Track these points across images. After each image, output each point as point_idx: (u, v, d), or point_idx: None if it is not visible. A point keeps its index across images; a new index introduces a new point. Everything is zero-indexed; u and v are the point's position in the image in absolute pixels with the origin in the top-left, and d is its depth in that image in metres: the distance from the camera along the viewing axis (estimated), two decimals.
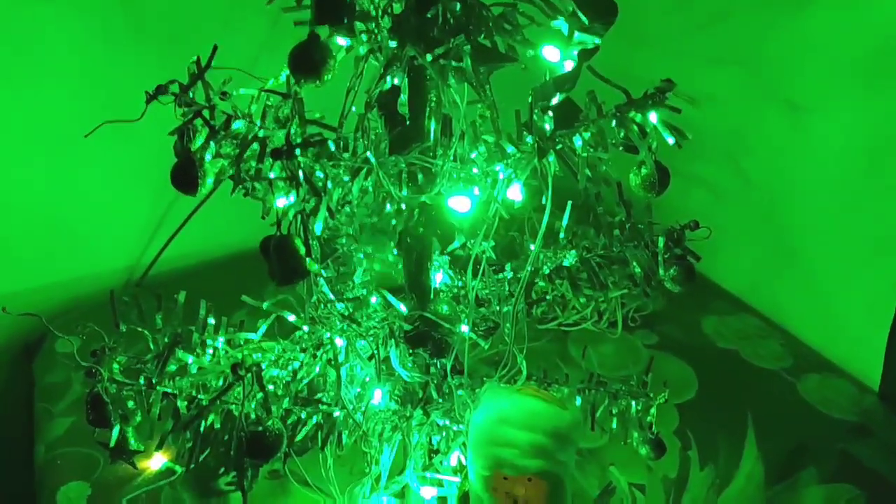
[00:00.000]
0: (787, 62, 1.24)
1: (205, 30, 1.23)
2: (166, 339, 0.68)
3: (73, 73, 1.21)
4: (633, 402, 0.87)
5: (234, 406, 0.62)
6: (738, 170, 1.38)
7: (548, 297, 0.76)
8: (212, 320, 0.72)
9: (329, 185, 0.55)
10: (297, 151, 0.52)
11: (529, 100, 0.61)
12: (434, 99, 0.61)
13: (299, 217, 0.54)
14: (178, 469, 1.02)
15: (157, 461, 1.05)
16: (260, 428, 0.59)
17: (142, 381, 0.67)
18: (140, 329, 0.70)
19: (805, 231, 1.31)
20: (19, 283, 1.31)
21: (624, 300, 1.36)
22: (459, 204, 0.62)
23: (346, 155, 0.59)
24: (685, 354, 1.29)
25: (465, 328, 0.74)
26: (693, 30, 1.35)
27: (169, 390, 0.68)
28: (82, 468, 1.05)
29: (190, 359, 0.62)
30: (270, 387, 0.71)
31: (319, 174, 0.55)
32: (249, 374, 0.58)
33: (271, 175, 0.57)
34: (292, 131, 0.54)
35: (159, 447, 0.69)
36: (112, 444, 0.68)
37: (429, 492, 0.84)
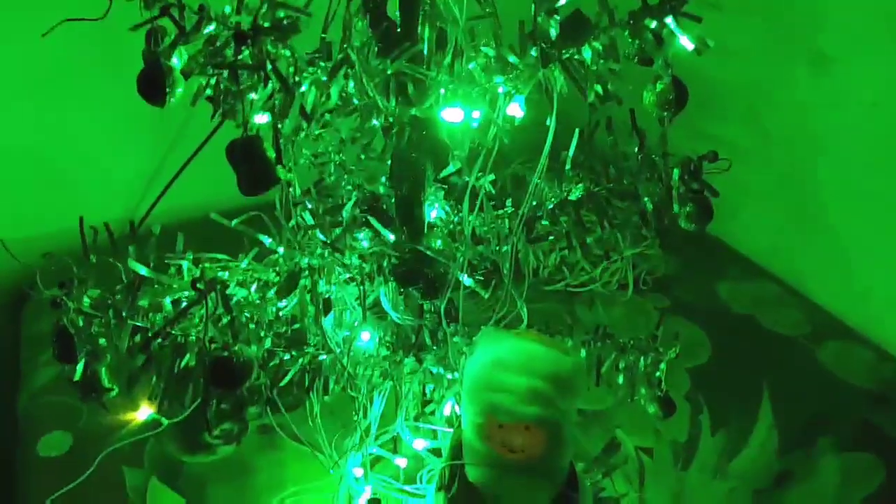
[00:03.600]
0: (814, 10, 1.17)
1: None
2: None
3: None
4: (642, 357, 0.81)
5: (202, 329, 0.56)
6: (759, 126, 1.31)
7: (551, 237, 0.70)
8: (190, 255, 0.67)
9: (305, 84, 0.50)
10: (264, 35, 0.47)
11: (533, 5, 0.55)
12: (427, 2, 0.55)
13: (269, 116, 0.48)
14: (165, 421, 0.98)
15: (143, 413, 1.01)
16: (226, 353, 0.54)
17: (111, 314, 0.62)
18: (111, 260, 0.65)
19: (829, 191, 1.25)
20: (7, 233, 1.27)
21: (635, 261, 1.31)
22: (452, 115, 0.56)
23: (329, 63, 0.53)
24: (698, 319, 1.23)
25: (463, 276, 0.68)
26: None
27: (140, 325, 0.63)
28: (65, 418, 1.02)
29: (143, 270, 0.57)
30: (252, 325, 0.66)
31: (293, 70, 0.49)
32: (213, 293, 0.53)
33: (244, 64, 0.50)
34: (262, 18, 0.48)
35: (130, 386, 0.65)
36: (77, 377, 0.63)
37: (421, 444, 0.79)
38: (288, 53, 0.49)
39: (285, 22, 0.47)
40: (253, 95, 0.48)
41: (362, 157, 0.67)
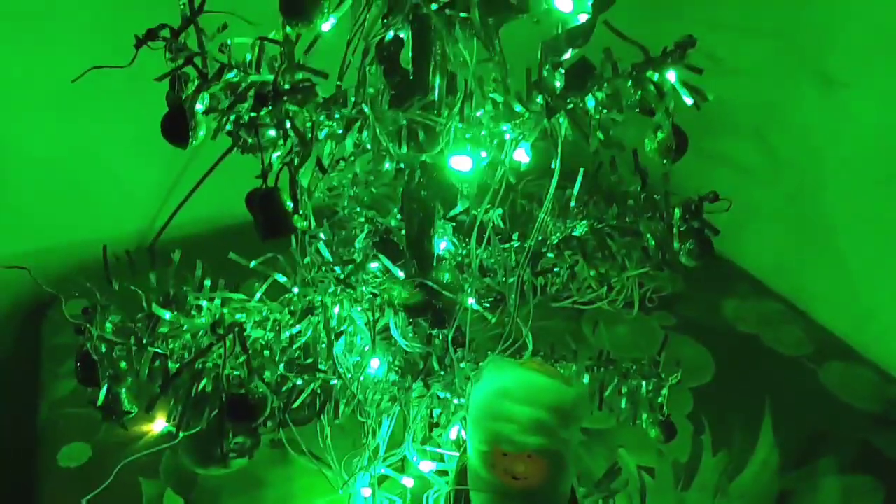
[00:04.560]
0: (823, 34, 1.19)
1: None
2: (158, 298, 0.66)
3: (83, 31, 1.19)
4: (644, 383, 0.84)
5: (222, 367, 0.59)
6: (768, 146, 1.33)
7: (556, 269, 0.72)
8: (209, 283, 0.70)
9: (320, 136, 0.52)
10: (284, 98, 0.49)
11: (539, 56, 0.57)
12: (439, 52, 0.58)
13: (287, 169, 0.51)
14: (180, 433, 1.01)
15: (159, 425, 1.05)
16: (242, 390, 0.57)
17: (132, 341, 0.65)
18: (133, 288, 0.68)
19: (835, 213, 1.26)
20: (27, 244, 1.31)
21: (642, 280, 1.33)
22: (460, 163, 0.58)
23: (344, 110, 0.56)
24: (703, 337, 1.25)
25: (470, 300, 0.71)
26: None
27: (160, 351, 0.66)
28: (84, 429, 1.05)
29: (167, 315, 0.60)
30: (266, 352, 0.69)
31: (310, 125, 0.52)
32: (231, 335, 0.56)
33: (264, 125, 0.54)
34: (281, 78, 0.51)
35: (148, 409, 0.67)
36: (100, 402, 0.66)
37: (428, 466, 0.82)
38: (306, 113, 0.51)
39: (304, 84, 0.50)
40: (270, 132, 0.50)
41: (374, 190, 0.69)
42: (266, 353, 0.68)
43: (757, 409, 1.12)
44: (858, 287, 1.26)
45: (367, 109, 0.53)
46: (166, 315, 0.59)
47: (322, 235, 0.66)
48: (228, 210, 1.46)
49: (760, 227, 1.37)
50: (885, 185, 1.18)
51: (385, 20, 0.55)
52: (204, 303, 0.61)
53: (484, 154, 0.62)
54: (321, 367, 0.71)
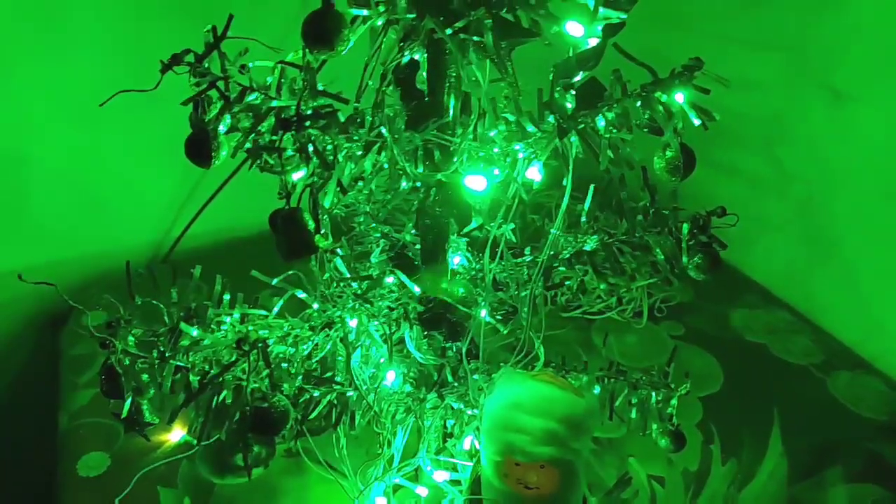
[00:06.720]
0: (832, 48, 1.20)
1: (236, 4, 1.22)
2: (180, 313, 0.68)
3: (101, 46, 1.22)
4: (654, 393, 0.85)
5: (245, 382, 0.61)
6: (776, 159, 1.34)
7: (567, 283, 0.74)
8: (228, 297, 0.72)
9: (340, 158, 0.54)
10: (307, 123, 0.51)
11: (551, 77, 0.59)
12: (454, 74, 0.60)
13: (309, 191, 0.53)
14: (194, 441, 1.02)
15: (176, 434, 1.06)
16: (265, 404, 0.58)
17: (154, 354, 0.67)
18: (154, 302, 0.70)
19: (843, 224, 1.27)
20: (46, 255, 1.33)
21: (651, 290, 1.34)
22: (475, 183, 0.60)
23: (361, 131, 0.58)
24: (712, 347, 1.26)
25: (483, 312, 0.72)
26: (735, 12, 1.31)
27: (182, 364, 0.68)
28: (103, 439, 1.06)
29: (194, 331, 0.62)
30: (284, 365, 0.70)
31: (331, 147, 0.54)
32: (255, 350, 0.58)
33: (286, 148, 0.56)
34: (304, 103, 0.53)
35: (170, 421, 0.69)
36: (124, 415, 0.68)
37: (442, 475, 0.83)
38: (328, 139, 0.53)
39: (326, 109, 0.52)
40: (297, 174, 0.52)
41: (389, 207, 0.71)
42: (284, 365, 0.70)
43: (766, 418, 1.12)
44: (867, 296, 1.27)
45: (384, 132, 0.55)
46: (193, 331, 0.61)
47: (339, 251, 0.68)
48: (243, 221, 1.48)
49: (769, 238, 1.38)
50: (893, 197, 1.19)
51: (402, 44, 0.57)
52: (226, 318, 0.63)
53: (497, 172, 0.64)
54: (338, 378, 0.72)
